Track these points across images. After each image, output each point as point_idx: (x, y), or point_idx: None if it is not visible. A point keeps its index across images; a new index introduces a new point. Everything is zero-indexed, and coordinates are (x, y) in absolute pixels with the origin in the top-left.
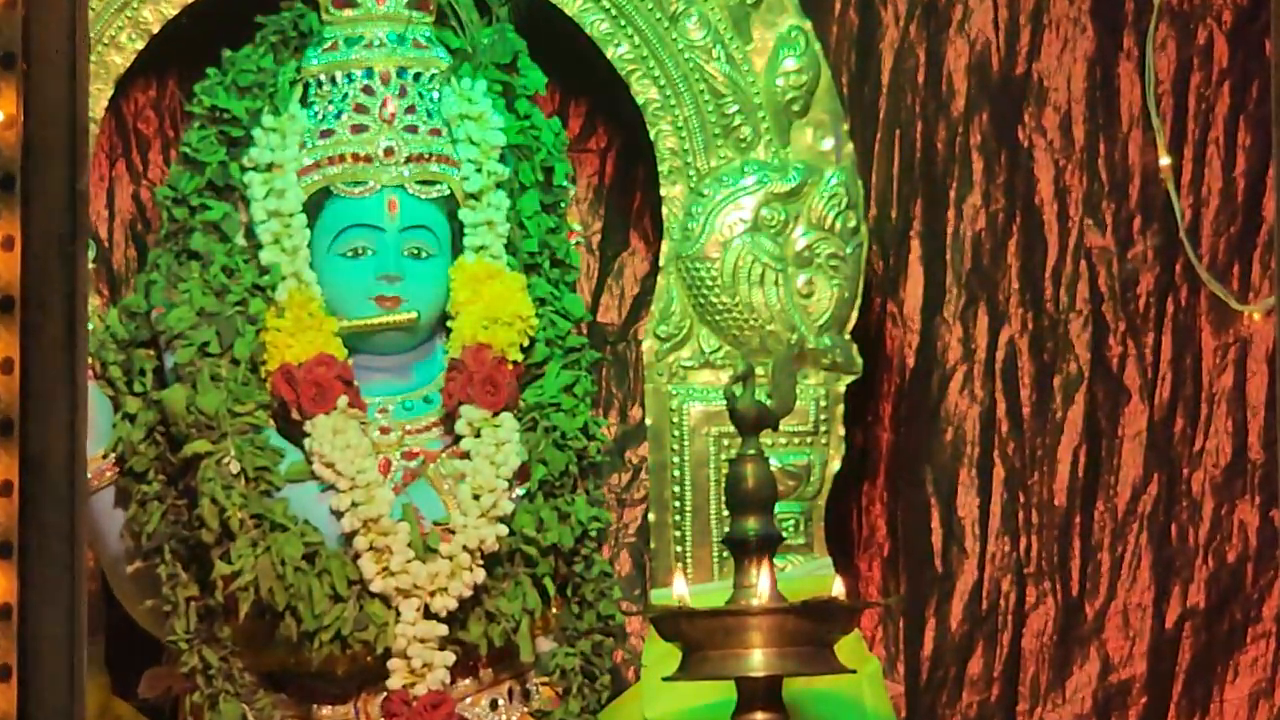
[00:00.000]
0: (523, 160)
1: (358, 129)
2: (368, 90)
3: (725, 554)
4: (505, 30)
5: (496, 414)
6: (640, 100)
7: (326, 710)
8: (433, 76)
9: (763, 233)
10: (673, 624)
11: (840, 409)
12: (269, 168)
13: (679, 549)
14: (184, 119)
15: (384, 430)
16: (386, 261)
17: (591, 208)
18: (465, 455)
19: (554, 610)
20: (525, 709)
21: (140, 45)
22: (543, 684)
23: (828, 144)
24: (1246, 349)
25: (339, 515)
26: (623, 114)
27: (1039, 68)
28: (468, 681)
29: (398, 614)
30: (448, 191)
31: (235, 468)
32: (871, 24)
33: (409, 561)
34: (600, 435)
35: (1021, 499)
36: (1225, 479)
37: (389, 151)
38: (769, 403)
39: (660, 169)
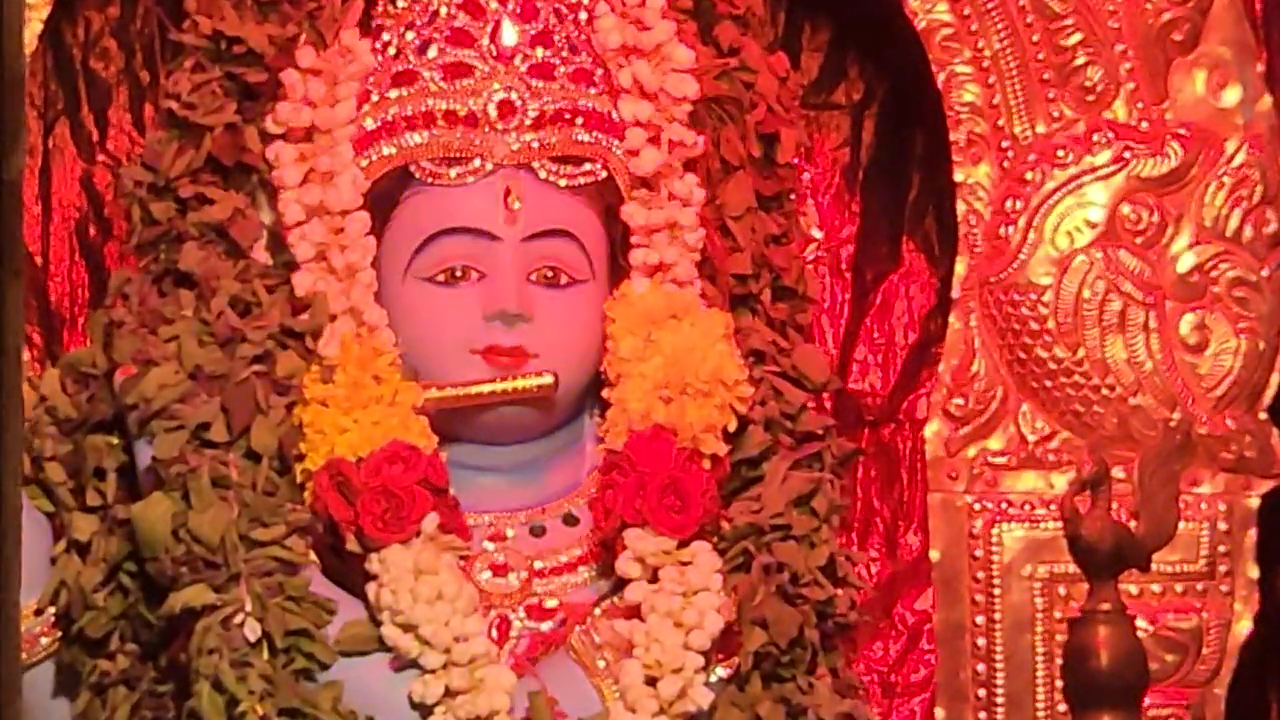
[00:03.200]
0: (727, 123)
1: (455, 71)
2: (471, 8)
3: None
4: None
5: (685, 543)
6: (920, 24)
7: None
8: None
9: (1124, 243)
10: None
11: (1252, 536)
12: (308, 136)
13: None
14: (167, 54)
15: (499, 570)
16: (504, 291)
17: (839, 201)
18: (634, 612)
19: None
20: None
21: None
22: None
23: (1230, 97)
24: None
25: (426, 711)
26: (892, 48)
27: None
28: None
29: None
30: (603, 175)
31: (254, 632)
32: None
33: None
34: (854, 580)
35: None
36: None
37: (507, 108)
38: (1134, 526)
39: (953, 138)
